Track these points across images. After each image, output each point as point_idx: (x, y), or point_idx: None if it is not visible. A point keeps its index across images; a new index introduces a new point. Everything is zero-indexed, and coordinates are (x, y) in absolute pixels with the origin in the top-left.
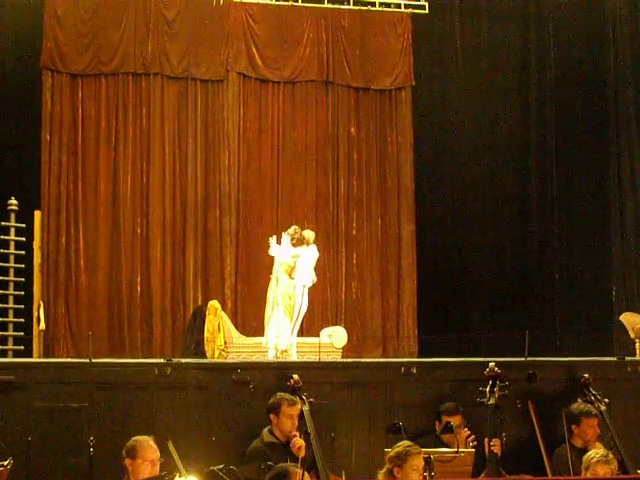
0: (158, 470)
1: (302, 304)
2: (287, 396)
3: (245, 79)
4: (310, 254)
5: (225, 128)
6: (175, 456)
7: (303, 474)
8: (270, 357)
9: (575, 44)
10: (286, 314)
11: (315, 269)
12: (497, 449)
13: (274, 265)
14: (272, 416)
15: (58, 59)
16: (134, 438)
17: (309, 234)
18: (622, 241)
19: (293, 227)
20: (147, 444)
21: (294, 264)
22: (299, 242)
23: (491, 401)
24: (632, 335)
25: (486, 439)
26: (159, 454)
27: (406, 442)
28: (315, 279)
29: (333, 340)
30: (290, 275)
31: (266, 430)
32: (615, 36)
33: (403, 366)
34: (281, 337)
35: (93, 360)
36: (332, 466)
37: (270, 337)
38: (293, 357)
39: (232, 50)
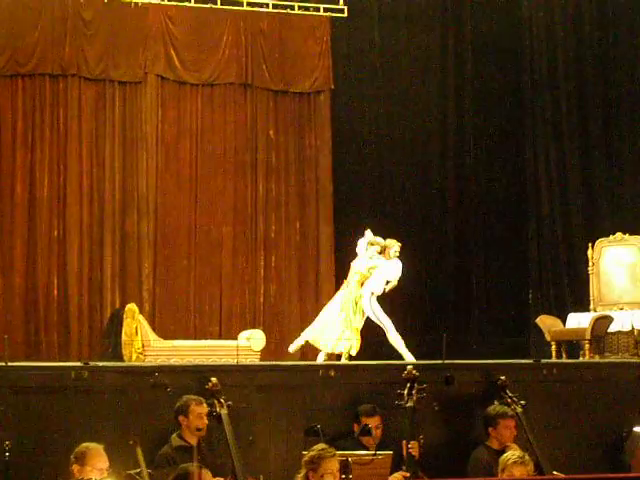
0: None
1: (376, 312)
2: (193, 396)
3: (163, 81)
4: (390, 267)
5: (143, 131)
6: (142, 463)
7: (200, 473)
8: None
9: (492, 48)
10: (346, 321)
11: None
12: (415, 451)
13: (350, 271)
14: (181, 418)
15: None
16: (85, 444)
17: (391, 244)
18: (539, 245)
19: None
20: (98, 452)
21: (370, 275)
22: (381, 251)
23: (409, 403)
24: (548, 338)
25: (404, 441)
26: (108, 464)
27: (321, 446)
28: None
29: (251, 343)
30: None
31: (175, 435)
32: (531, 40)
33: (321, 369)
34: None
35: (9, 364)
36: (250, 469)
37: (329, 341)
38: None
39: (150, 52)
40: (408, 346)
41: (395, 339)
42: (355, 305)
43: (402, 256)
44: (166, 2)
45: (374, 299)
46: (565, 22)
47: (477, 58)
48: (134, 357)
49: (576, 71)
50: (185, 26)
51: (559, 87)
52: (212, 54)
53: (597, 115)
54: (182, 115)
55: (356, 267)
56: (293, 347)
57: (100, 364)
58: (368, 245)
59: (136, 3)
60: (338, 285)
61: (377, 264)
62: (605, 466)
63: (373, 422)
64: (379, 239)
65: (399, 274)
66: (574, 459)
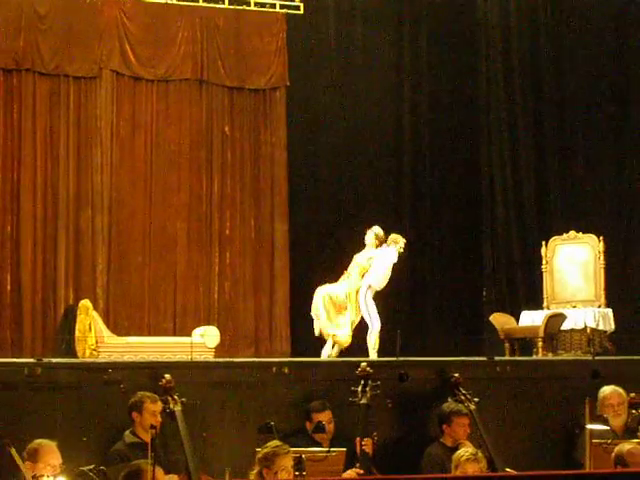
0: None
1: (369, 306)
2: (148, 393)
3: (119, 77)
4: (385, 255)
5: (98, 126)
6: (19, 461)
7: (154, 470)
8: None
9: (448, 46)
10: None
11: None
12: (368, 448)
13: (351, 262)
14: (135, 414)
15: None
16: (37, 441)
17: (397, 239)
18: (493, 243)
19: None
20: (50, 449)
21: (369, 266)
22: (380, 242)
23: (363, 400)
24: (502, 335)
25: (358, 438)
26: (61, 460)
27: (274, 442)
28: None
29: (205, 340)
30: (362, 277)
31: (128, 432)
32: (487, 39)
33: (275, 366)
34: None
35: None
36: (204, 466)
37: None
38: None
39: (106, 47)
40: (363, 343)
41: (373, 343)
42: (355, 296)
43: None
44: None
45: (370, 293)
46: (520, 21)
47: (432, 56)
48: (87, 353)
49: (531, 71)
50: (140, 21)
51: (514, 87)
52: (167, 50)
53: (551, 114)
54: (137, 111)
55: (357, 259)
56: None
57: (53, 360)
58: (374, 238)
59: None
60: (292, 282)
61: (374, 254)
62: (558, 463)
63: (324, 417)
64: (382, 233)
65: (394, 260)
66: (527, 456)
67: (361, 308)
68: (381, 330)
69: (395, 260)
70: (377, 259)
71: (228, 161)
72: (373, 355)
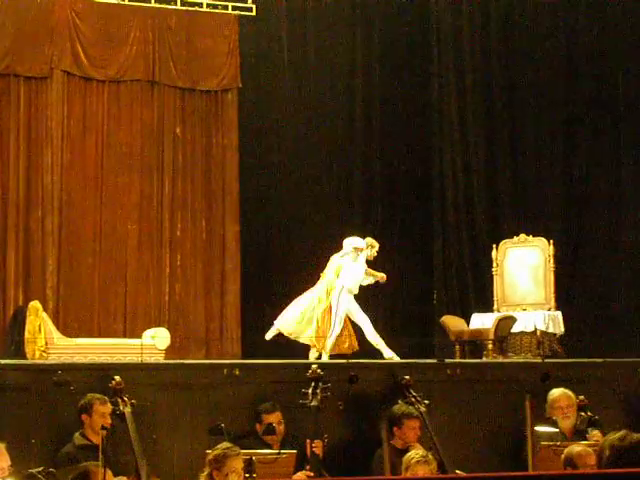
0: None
1: (340, 308)
2: (98, 395)
3: (70, 77)
4: (352, 270)
5: (49, 126)
6: None
7: (104, 472)
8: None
9: (401, 48)
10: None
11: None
12: (319, 450)
13: (328, 263)
14: (84, 416)
15: None
16: None
17: (368, 241)
18: (444, 246)
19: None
20: None
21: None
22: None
23: (313, 402)
24: (452, 338)
25: (308, 440)
26: (10, 462)
27: (225, 444)
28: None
29: (156, 341)
30: (338, 275)
31: (77, 434)
32: (439, 43)
33: (226, 368)
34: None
35: None
36: (154, 468)
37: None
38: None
39: (57, 48)
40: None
41: (331, 345)
42: (326, 296)
43: (304, 257)
44: None
45: (344, 293)
46: (472, 25)
47: (385, 58)
48: (37, 355)
49: (483, 75)
50: (92, 22)
51: (465, 90)
52: (119, 50)
53: (503, 118)
54: (88, 111)
55: (334, 258)
56: (269, 335)
57: (2, 362)
58: (353, 250)
59: None
60: (244, 283)
61: (343, 264)
62: (507, 465)
63: (274, 418)
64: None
65: (357, 278)
66: (477, 458)
67: (332, 308)
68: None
69: (358, 279)
70: (344, 270)
71: (179, 162)
72: (324, 357)
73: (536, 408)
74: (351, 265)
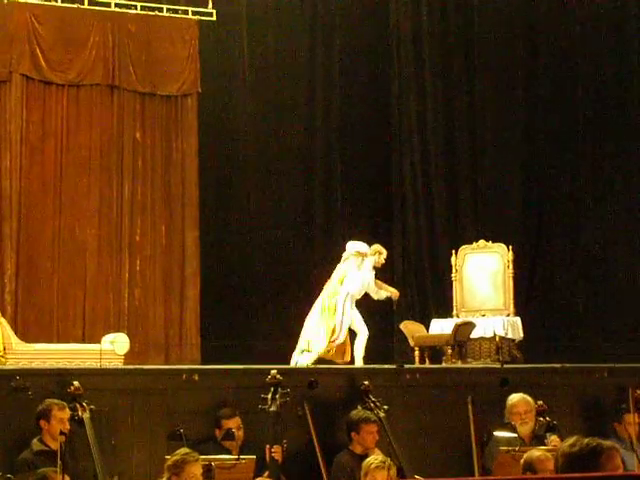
0: None
1: (346, 315)
2: (56, 400)
3: (29, 81)
4: (356, 278)
5: (7, 130)
6: None
7: (63, 478)
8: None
9: (361, 53)
10: (322, 318)
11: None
12: (278, 455)
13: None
14: (42, 422)
15: None
16: None
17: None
18: (403, 251)
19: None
20: None
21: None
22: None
23: (272, 408)
24: (411, 343)
25: (267, 446)
26: None
27: (184, 450)
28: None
29: (115, 347)
30: (341, 282)
31: (35, 440)
32: (399, 48)
33: (185, 373)
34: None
35: None
36: (112, 474)
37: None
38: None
39: (15, 51)
40: (272, 350)
41: (323, 350)
42: (330, 304)
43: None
44: (32, 1)
45: (349, 301)
46: (432, 27)
47: (345, 63)
48: None
49: (443, 79)
50: (51, 25)
51: (426, 95)
52: (78, 54)
53: (462, 124)
54: (47, 115)
55: (338, 270)
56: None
57: None
58: (355, 254)
59: (1, 1)
60: (203, 288)
61: (347, 272)
62: (466, 470)
63: (233, 424)
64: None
65: (361, 285)
66: (437, 463)
67: (337, 315)
68: (293, 338)
69: (371, 270)
70: (348, 277)
71: (139, 167)
72: (359, 363)
73: (494, 414)
74: (355, 272)
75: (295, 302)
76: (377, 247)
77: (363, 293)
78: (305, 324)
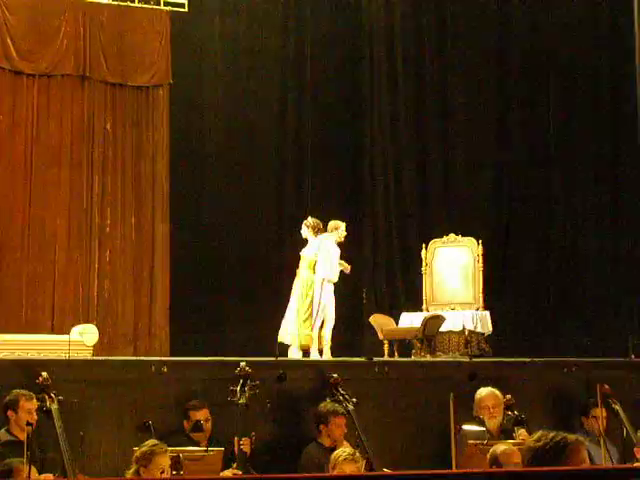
0: None
1: (322, 300)
2: (23, 391)
3: None
4: (327, 244)
5: None
6: None
7: (30, 470)
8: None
9: (333, 46)
10: (298, 312)
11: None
12: (247, 448)
13: (300, 261)
14: (10, 413)
15: None
16: None
17: (337, 224)
18: (373, 245)
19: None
20: None
21: (316, 257)
22: (318, 230)
23: (241, 400)
24: (381, 336)
25: (236, 438)
26: None
27: (152, 441)
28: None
29: (84, 338)
30: (313, 270)
31: (3, 430)
32: (371, 43)
33: (154, 365)
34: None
35: None
36: (80, 465)
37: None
38: (314, 354)
39: None
40: (242, 342)
41: (328, 338)
42: (306, 297)
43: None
44: None
45: (327, 286)
46: (404, 23)
47: (317, 56)
48: None
49: (414, 79)
50: (22, 15)
51: (397, 90)
52: (49, 44)
53: (434, 117)
54: (17, 106)
55: (304, 252)
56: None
57: None
58: (307, 229)
59: None
60: (172, 280)
61: (317, 244)
62: (435, 463)
63: (202, 415)
64: (313, 222)
65: (336, 248)
66: (405, 456)
67: (314, 303)
68: (262, 330)
69: (337, 248)
70: (321, 251)
71: (109, 158)
72: (327, 351)
73: (463, 407)
74: (323, 254)
75: (265, 293)
76: (333, 223)
77: (338, 272)
78: (286, 315)
